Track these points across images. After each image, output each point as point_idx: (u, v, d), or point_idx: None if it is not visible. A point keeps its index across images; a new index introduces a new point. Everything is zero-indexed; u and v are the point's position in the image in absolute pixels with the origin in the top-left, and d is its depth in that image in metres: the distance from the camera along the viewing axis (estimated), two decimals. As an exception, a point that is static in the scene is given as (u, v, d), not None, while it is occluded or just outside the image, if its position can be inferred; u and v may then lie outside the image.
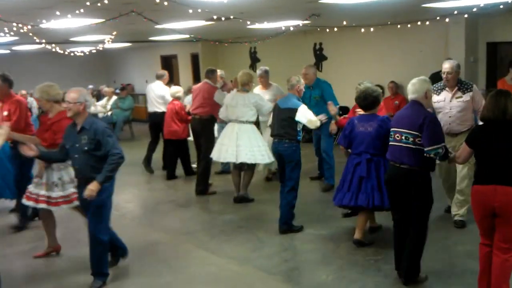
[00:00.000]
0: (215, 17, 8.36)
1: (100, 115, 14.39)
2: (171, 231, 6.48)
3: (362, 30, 9.77)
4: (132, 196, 8.62)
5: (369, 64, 11.86)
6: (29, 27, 7.83)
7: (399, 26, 10.25)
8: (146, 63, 19.12)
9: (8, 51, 16.50)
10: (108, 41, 11.17)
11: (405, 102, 6.22)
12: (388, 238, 5.67)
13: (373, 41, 11.45)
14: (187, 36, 11.67)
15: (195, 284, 4.97)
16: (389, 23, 10.11)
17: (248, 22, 8.81)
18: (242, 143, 7.07)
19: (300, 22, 9.80)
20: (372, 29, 9.83)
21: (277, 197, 6.22)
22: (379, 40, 11.42)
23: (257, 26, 9.50)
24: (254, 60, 15.05)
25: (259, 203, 7.48)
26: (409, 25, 10.10)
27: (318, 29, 11.63)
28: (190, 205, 7.66)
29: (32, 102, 13.66)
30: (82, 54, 12.76)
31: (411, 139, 4.42)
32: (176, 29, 10.12)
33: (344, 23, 9.71)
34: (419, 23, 9.73)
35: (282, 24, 9.85)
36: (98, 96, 15.63)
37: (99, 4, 5.99)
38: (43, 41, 10.43)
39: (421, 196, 4.44)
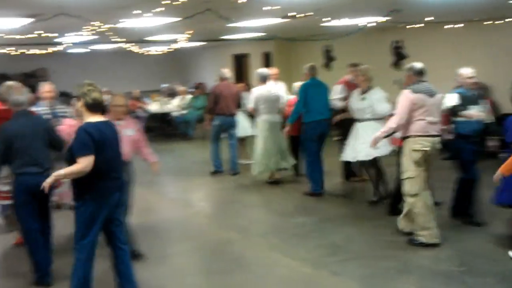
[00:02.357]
0: (291, 14, 8.21)
1: (175, 114, 14.62)
2: (243, 231, 6.39)
3: (446, 27, 9.28)
4: (204, 195, 8.65)
5: (452, 64, 11.21)
6: (108, 26, 8.01)
7: (485, 23, 9.66)
8: (218, 62, 19.23)
9: (86, 50, 17.10)
10: (184, 40, 11.28)
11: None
12: (472, 250, 5.36)
13: (457, 39, 10.85)
14: (260, 34, 11.59)
15: (267, 285, 4.85)
16: (474, 19, 9.56)
17: (326, 19, 8.60)
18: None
19: (379, 19, 9.45)
20: (456, 26, 9.31)
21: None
22: (464, 38, 10.80)
23: (332, 23, 9.27)
24: (329, 59, 14.78)
25: (332, 206, 7.25)
26: (496, 22, 9.49)
27: (401, 25, 11.15)
28: (260, 206, 7.56)
29: (108, 100, 14.09)
30: (157, 53, 12.99)
31: None
32: (250, 27, 10.07)
33: (426, 19, 9.27)
34: (507, 20, 9.13)
35: (359, 21, 9.56)
36: (172, 95, 15.89)
37: (176, 3, 5.99)
38: (121, 40, 10.68)
39: None
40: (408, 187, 5.51)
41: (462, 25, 9.29)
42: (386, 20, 9.53)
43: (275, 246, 5.79)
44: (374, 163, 7.03)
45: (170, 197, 8.48)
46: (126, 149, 4.98)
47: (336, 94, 7.86)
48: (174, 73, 20.19)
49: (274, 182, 8.50)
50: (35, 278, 4.91)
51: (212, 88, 9.60)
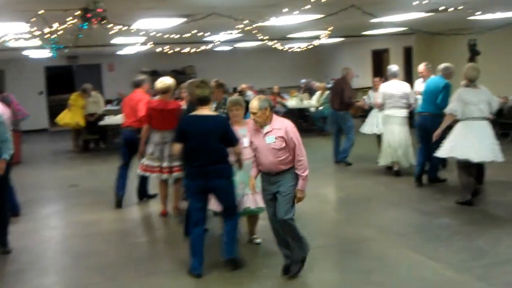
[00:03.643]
0: (441, 8, 7.93)
1: (312, 109, 14.80)
2: (382, 230, 6.33)
3: None
4: (340, 189, 8.66)
5: None
6: (256, 25, 8.32)
7: None
8: (356, 58, 19.07)
9: (229, 48, 17.85)
10: (324, 36, 11.39)
11: None
12: None
13: None
14: (402, 28, 11.31)
15: (408, 287, 4.78)
16: None
17: (476, 13, 8.19)
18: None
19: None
20: None
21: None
22: None
23: (480, 17, 8.80)
24: (474, 53, 13.94)
25: (479, 208, 6.89)
26: None
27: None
28: (402, 204, 7.36)
29: (250, 96, 14.66)
30: (299, 49, 13.25)
31: None
32: (392, 22, 9.89)
33: None
34: None
35: (508, 14, 8.97)
36: (309, 91, 16.06)
37: (323, 0, 6.10)
38: (266, 37, 11.03)
39: None
40: None
41: None
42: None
43: (416, 247, 5.68)
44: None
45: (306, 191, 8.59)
46: (268, 158, 4.76)
47: None
48: (313, 69, 20.37)
49: (396, 173, 8.81)
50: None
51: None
